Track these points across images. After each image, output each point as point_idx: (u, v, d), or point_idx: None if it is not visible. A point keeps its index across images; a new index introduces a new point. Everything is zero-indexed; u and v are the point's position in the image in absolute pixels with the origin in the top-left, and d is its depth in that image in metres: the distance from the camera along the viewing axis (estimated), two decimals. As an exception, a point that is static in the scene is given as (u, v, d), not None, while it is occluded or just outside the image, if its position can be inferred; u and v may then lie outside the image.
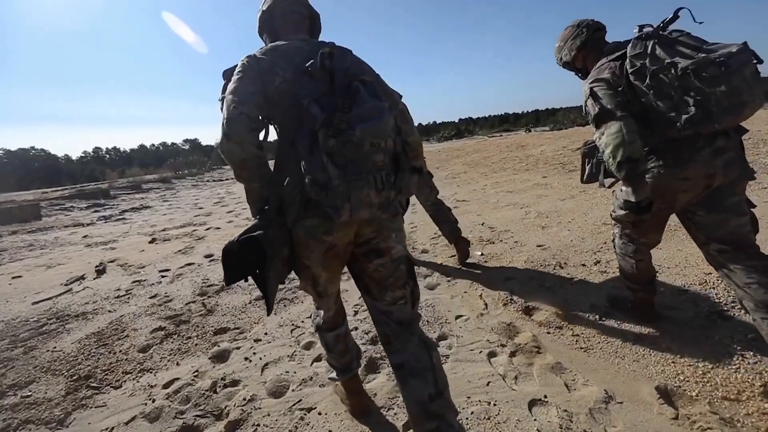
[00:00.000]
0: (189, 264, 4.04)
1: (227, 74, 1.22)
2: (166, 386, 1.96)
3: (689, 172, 1.49)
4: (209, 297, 3.07)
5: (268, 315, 1.22)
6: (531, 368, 1.81)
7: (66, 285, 3.77)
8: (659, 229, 1.78)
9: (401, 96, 1.39)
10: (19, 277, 4.14)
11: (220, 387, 1.91)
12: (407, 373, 1.20)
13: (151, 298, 3.18)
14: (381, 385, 1.79)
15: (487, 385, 1.72)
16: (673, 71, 1.39)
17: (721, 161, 1.46)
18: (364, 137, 1.05)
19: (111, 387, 2.01)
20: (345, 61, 1.23)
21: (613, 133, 1.45)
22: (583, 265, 2.79)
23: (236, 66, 1.19)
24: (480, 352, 1.96)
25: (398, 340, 1.25)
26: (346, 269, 1.35)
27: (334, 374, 1.60)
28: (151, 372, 2.12)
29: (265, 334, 2.39)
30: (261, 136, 1.17)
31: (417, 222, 4.73)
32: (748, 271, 1.47)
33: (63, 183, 21.78)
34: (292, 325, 2.47)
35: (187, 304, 2.97)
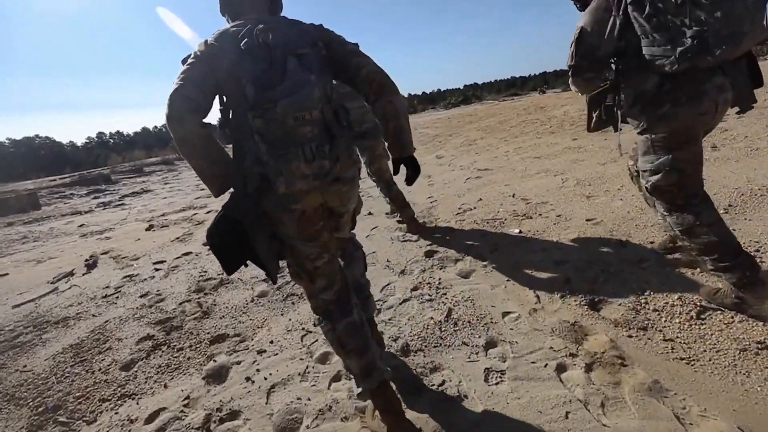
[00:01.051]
0: (186, 254, 3.64)
1: (185, 61, 1.23)
2: (148, 421, 1.57)
3: (705, 105, 1.46)
4: (206, 294, 2.66)
5: (274, 284, 1.56)
6: (620, 390, 1.36)
7: (52, 283, 3.40)
8: (700, 176, 1.61)
9: (356, 44, 1.36)
10: (5, 275, 3.79)
11: (215, 422, 1.51)
12: (351, 261, 1.65)
13: (141, 297, 2.79)
14: (425, 418, 1.37)
15: (566, 417, 1.28)
16: (673, 2, 1.34)
17: (722, 99, 1.46)
18: (286, 112, 1.12)
19: (83, 421, 1.63)
20: (287, 35, 1.23)
21: (575, 89, 1.73)
22: (652, 242, 2.29)
23: (191, 54, 1.23)
24: (545, 365, 1.52)
25: (347, 249, 1.66)
26: None
27: (356, 390, 1.31)
28: (133, 398, 1.73)
29: (271, 342, 1.97)
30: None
31: (436, 196, 4.22)
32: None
33: (68, 170, 21.55)
34: (302, 329, 2.05)
35: (180, 303, 2.57)
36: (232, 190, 1.20)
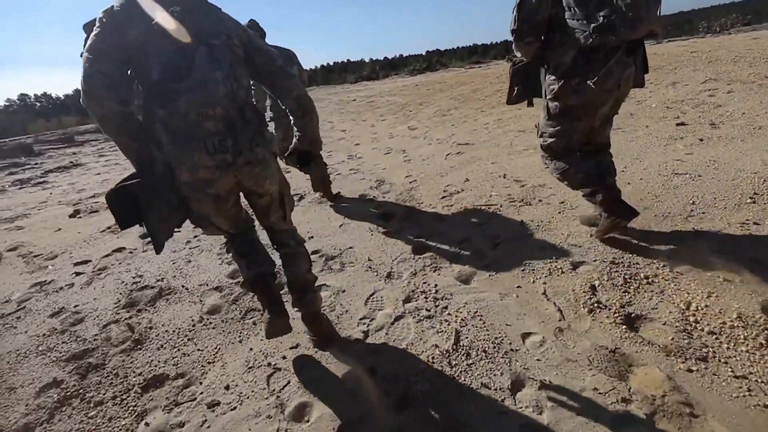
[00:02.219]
0: (118, 250, 2.97)
1: (88, 28, 1.19)
2: None
3: (609, 83, 1.64)
4: (140, 311, 2.09)
5: (157, 253, 1.38)
6: (701, 458, 1.04)
7: (-66, 295, 2.64)
8: (582, 141, 1.92)
9: (294, 55, 1.83)
10: None
11: None
12: (292, 258, 1.61)
13: (52, 315, 2.16)
14: None
15: None
16: None
17: (626, 75, 1.67)
18: (189, 108, 1.17)
19: None
20: (203, 21, 1.24)
21: (517, 52, 1.86)
22: (678, 231, 1.99)
23: (94, 20, 1.17)
24: (595, 418, 1.16)
25: (282, 241, 1.63)
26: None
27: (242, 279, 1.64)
28: (21, 494, 1.20)
29: (226, 388, 1.49)
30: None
31: (416, 175, 3.76)
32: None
33: None
34: (267, 363, 1.58)
35: (105, 326, 1.99)
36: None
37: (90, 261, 2.84)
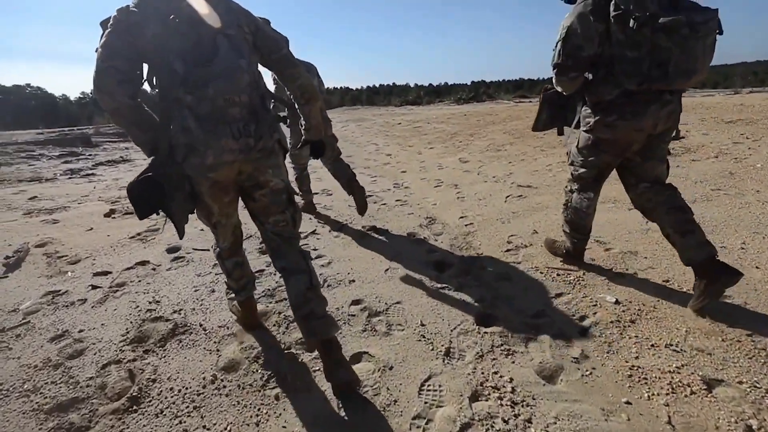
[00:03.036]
0: (142, 263, 2.72)
1: (104, 24, 1.22)
2: None
3: (642, 124, 1.65)
4: (147, 351, 1.76)
5: (180, 238, 1.43)
6: None
7: (-52, 290, 2.47)
8: (609, 172, 1.95)
9: (287, 41, 1.82)
10: None
11: None
12: (289, 273, 1.49)
13: (53, 340, 1.88)
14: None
15: None
16: (650, 23, 1.46)
17: (665, 112, 1.64)
18: (217, 94, 1.24)
19: None
20: (215, 10, 1.26)
21: (559, 87, 1.82)
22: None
23: (110, 18, 1.22)
24: None
25: (281, 251, 1.52)
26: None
27: (232, 295, 1.84)
28: None
29: (230, 504, 1.09)
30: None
31: (472, 217, 3.34)
32: (664, 200, 1.80)
33: (62, 124, 20.20)
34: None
35: (104, 367, 1.67)
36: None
37: (110, 273, 2.60)
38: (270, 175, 1.43)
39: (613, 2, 1.53)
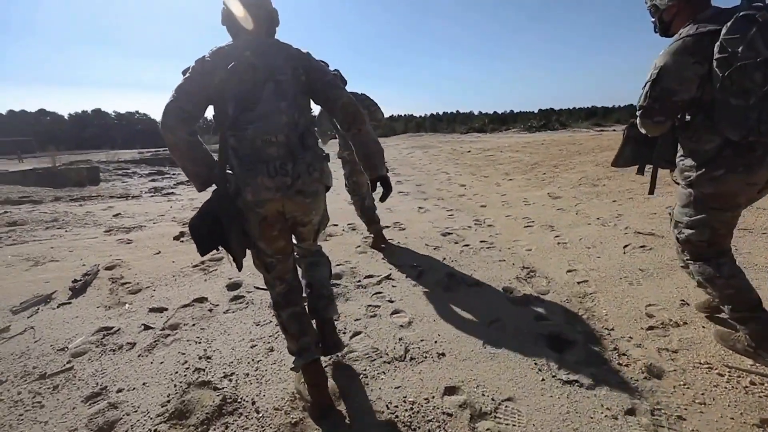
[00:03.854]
0: (200, 300, 2.45)
1: (184, 72, 1.38)
2: None
3: (757, 177, 1.45)
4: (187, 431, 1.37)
5: (239, 270, 1.48)
6: None
7: (13, 312, 2.38)
8: (730, 237, 1.64)
9: (335, 72, 1.83)
10: (-20, 280, 2.88)
11: None
12: (315, 265, 1.74)
13: (88, 400, 1.58)
14: None
15: None
16: (762, 70, 1.28)
17: None
18: (255, 135, 1.33)
19: None
20: (274, 60, 1.40)
21: (643, 129, 1.63)
22: None
23: (189, 67, 1.38)
24: None
25: (312, 255, 1.75)
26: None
27: (294, 360, 1.54)
28: None
29: None
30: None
31: (586, 272, 2.65)
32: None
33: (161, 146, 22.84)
34: None
35: (132, 456, 1.30)
36: (214, 187, 1.41)
37: (166, 309, 2.35)
38: (312, 216, 1.52)
39: (719, 43, 1.34)
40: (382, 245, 3.29)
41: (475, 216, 4.34)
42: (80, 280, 2.79)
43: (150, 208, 5.65)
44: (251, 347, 1.92)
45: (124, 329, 2.13)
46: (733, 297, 1.56)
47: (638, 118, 1.62)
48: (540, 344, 1.86)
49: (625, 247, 3.00)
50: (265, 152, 1.34)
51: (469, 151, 11.89)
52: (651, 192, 1.86)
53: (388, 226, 4.03)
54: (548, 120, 32.58)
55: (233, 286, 2.66)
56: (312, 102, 1.54)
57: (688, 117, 1.56)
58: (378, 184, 1.56)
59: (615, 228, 3.48)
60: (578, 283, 2.49)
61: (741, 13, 1.32)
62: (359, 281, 2.66)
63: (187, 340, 2.00)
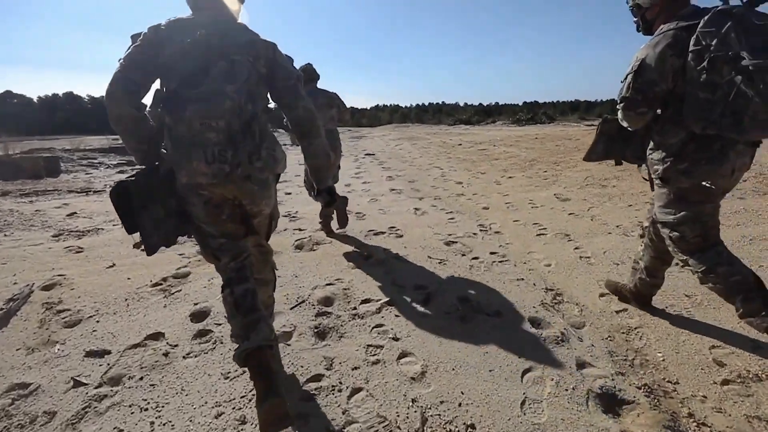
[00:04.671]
0: (154, 337, 1.95)
1: (134, 38, 1.29)
2: None
3: (724, 169, 1.48)
4: None
5: (148, 255, 1.42)
6: None
7: None
8: (719, 228, 1.65)
9: (299, 77, 1.49)
10: None
11: None
12: (262, 283, 1.60)
13: None
14: None
15: None
16: (731, 64, 1.30)
17: (739, 164, 1.50)
18: (194, 117, 1.26)
19: None
20: (232, 41, 1.33)
21: (625, 122, 1.61)
22: None
23: (141, 33, 1.30)
24: None
25: (258, 264, 1.57)
26: None
27: (237, 348, 1.31)
28: None
29: None
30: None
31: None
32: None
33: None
34: None
35: None
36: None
37: (108, 353, 1.83)
38: (264, 205, 1.46)
39: (694, 36, 1.38)
40: (328, 232, 3.51)
41: (479, 220, 3.91)
42: (9, 304, 2.23)
43: (110, 208, 5.00)
44: (216, 417, 1.43)
45: (45, 387, 1.61)
46: (740, 283, 1.52)
47: (620, 111, 1.59)
48: (594, 408, 1.44)
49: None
50: (203, 136, 1.28)
51: (460, 144, 11.46)
52: (653, 188, 1.79)
53: (383, 232, 3.56)
54: (535, 113, 32.53)
55: (199, 315, 2.15)
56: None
57: (659, 110, 1.60)
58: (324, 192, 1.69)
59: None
60: (617, 312, 2.09)
61: (718, 8, 1.36)
62: (355, 309, 2.19)
63: (130, 406, 1.50)
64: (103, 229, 3.95)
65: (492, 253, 2.97)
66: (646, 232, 1.91)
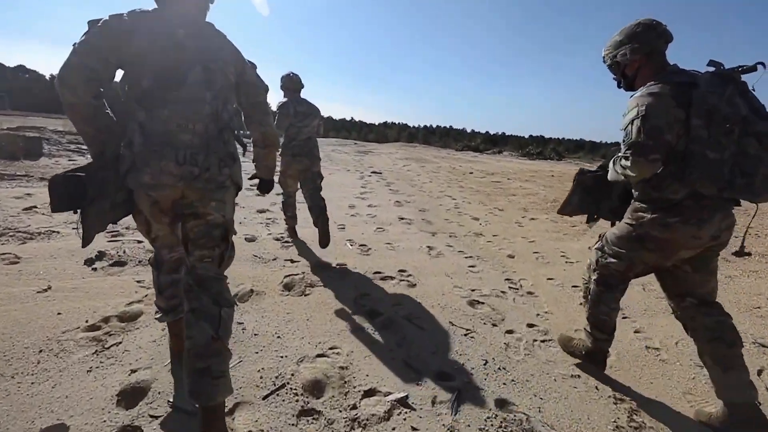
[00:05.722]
0: (60, 430, 1.28)
1: (92, 24, 1.24)
2: None
3: (703, 232, 1.45)
4: None
5: (83, 247, 1.35)
6: None
7: None
8: (630, 279, 1.75)
9: (266, 89, 1.57)
10: None
11: None
12: (197, 317, 1.30)
13: None
14: None
15: None
16: (741, 126, 1.35)
17: (725, 225, 1.48)
18: (171, 117, 1.27)
19: None
20: (206, 44, 1.35)
21: (635, 171, 1.45)
22: None
23: (100, 19, 1.24)
24: None
25: (193, 292, 1.34)
26: None
27: (159, 315, 1.62)
28: None
29: None
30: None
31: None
32: (712, 326, 1.55)
33: None
34: None
35: None
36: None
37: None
38: (211, 208, 1.39)
39: (698, 94, 1.37)
40: (292, 236, 3.69)
41: (505, 271, 3.29)
42: None
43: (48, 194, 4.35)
44: None
45: None
46: (604, 323, 1.77)
47: (630, 158, 1.45)
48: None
49: (760, 373, 2.00)
50: (178, 137, 1.28)
51: (471, 173, 10.96)
52: (561, 210, 1.90)
53: (392, 277, 2.93)
54: (544, 148, 32.38)
55: (134, 392, 1.50)
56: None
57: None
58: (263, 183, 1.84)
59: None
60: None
61: (716, 70, 1.41)
62: (354, 408, 1.54)
63: None
64: (58, 232, 3.30)
65: (530, 326, 2.35)
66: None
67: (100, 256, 2.85)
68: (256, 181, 1.87)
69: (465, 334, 2.19)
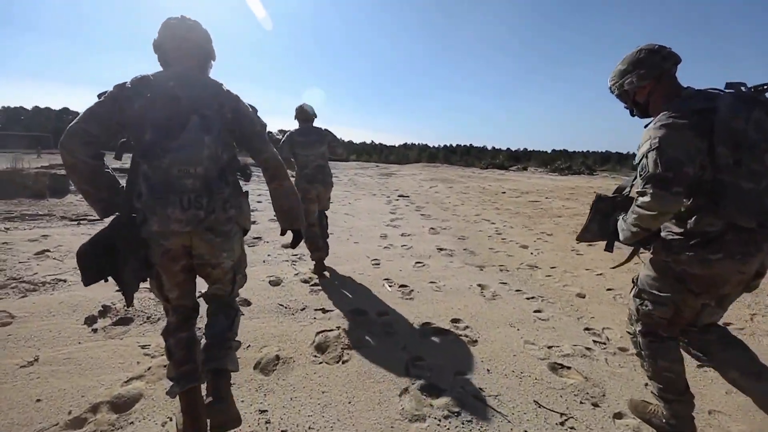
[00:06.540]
0: None
1: (100, 96, 1.33)
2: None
3: (748, 267, 1.33)
4: None
5: (128, 306, 1.52)
6: None
7: None
8: (690, 320, 1.51)
9: (264, 126, 1.55)
10: None
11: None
12: (217, 309, 1.54)
13: None
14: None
15: None
16: None
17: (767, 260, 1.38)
18: (172, 164, 1.28)
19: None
20: (199, 94, 1.37)
21: (656, 207, 1.29)
22: None
23: (106, 91, 1.34)
24: None
25: (216, 309, 1.54)
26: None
27: (171, 386, 1.47)
28: None
29: None
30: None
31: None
32: (715, 333, 1.50)
33: None
34: None
35: None
36: (116, 214, 1.34)
37: None
38: (223, 258, 1.43)
39: (721, 121, 1.25)
40: (324, 272, 3.36)
41: (581, 317, 2.69)
42: None
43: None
44: None
45: None
46: (669, 381, 1.51)
47: (650, 193, 1.29)
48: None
49: None
50: (180, 183, 1.30)
51: (503, 192, 10.34)
52: (579, 238, 1.76)
53: (445, 330, 2.39)
54: (572, 163, 31.26)
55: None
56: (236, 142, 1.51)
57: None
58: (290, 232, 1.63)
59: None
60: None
61: (737, 93, 1.31)
62: None
63: None
64: (65, 281, 2.96)
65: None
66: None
67: (105, 311, 2.46)
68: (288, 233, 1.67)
69: (561, 423, 1.61)
